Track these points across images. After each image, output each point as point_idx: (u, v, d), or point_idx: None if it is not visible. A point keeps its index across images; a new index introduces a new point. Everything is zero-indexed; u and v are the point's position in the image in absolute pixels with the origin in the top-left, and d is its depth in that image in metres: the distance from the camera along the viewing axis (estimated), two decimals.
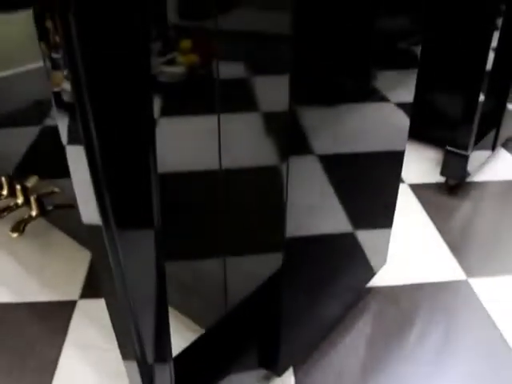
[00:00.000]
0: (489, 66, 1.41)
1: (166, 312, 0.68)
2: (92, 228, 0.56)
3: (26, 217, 1.21)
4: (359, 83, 0.77)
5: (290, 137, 0.66)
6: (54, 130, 1.04)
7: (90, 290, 1.14)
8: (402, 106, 0.93)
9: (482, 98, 1.44)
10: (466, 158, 1.46)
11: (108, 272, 0.60)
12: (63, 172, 1.12)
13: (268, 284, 0.84)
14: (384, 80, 0.83)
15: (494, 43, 1.37)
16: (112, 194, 0.51)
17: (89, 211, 0.55)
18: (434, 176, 1.63)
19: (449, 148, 1.47)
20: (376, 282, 1.19)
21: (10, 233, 1.17)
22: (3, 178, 1.30)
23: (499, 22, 1.34)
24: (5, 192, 1.30)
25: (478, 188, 1.59)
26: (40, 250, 1.25)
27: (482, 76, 1.41)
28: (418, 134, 1.80)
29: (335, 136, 0.76)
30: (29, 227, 1.20)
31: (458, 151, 1.46)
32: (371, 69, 0.78)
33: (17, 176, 1.28)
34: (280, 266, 0.79)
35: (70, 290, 1.14)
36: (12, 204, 1.25)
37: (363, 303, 1.13)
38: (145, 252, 0.60)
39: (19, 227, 1.19)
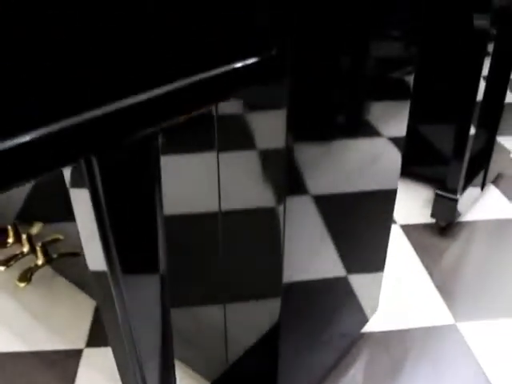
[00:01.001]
0: (480, 96, 1.49)
1: (172, 360, 0.73)
2: (97, 274, 0.62)
3: (33, 266, 1.29)
4: (353, 118, 0.83)
5: (287, 176, 0.71)
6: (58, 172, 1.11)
7: (96, 338, 1.21)
8: (394, 140, 0.99)
9: (472, 130, 1.52)
10: (455, 202, 1.55)
11: (114, 319, 0.66)
12: (66, 216, 1.19)
13: (266, 333, 0.90)
14: (377, 114, 0.89)
15: (485, 71, 1.44)
16: (117, 238, 0.56)
17: (94, 256, 0.61)
18: (424, 216, 1.71)
19: (438, 192, 1.56)
20: (368, 326, 1.27)
21: (18, 282, 1.25)
22: (9, 227, 1.37)
23: (489, 57, 1.42)
24: (11, 240, 1.37)
25: (468, 228, 1.68)
26: (46, 299, 1.33)
27: (472, 107, 1.49)
28: (408, 171, 1.89)
29: (329, 174, 0.82)
30: (35, 275, 1.28)
31: (448, 195, 1.55)
32: (365, 103, 0.84)
33: (21, 222, 1.36)
34: (278, 314, 0.85)
35: (76, 338, 1.21)
36: (18, 252, 1.32)
37: (356, 349, 1.21)
38: (150, 298, 0.65)
39: (26, 276, 1.27)
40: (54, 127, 0.37)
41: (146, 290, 0.63)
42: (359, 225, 1.01)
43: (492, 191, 1.90)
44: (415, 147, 1.80)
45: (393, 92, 0.93)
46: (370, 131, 0.89)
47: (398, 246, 1.58)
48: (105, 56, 0.39)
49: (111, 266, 0.58)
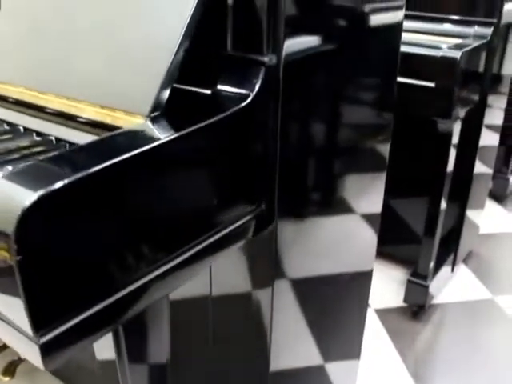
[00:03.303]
0: (450, 167, 1.62)
1: None
2: (105, 363, 0.72)
3: (16, 359, 1.37)
4: (332, 198, 0.92)
5: (275, 260, 0.79)
6: None
7: None
8: (371, 217, 1.09)
9: (443, 205, 1.67)
10: (426, 288, 1.69)
11: None
12: None
13: None
14: (354, 191, 0.98)
15: (455, 139, 1.56)
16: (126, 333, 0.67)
17: (103, 348, 0.71)
18: (397, 299, 1.85)
19: (410, 278, 1.71)
20: None
21: (2, 376, 1.33)
22: None
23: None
24: None
25: (440, 310, 1.82)
26: None
27: (442, 182, 1.63)
28: (379, 251, 2.01)
29: (311, 256, 0.90)
30: (19, 368, 1.36)
31: (419, 281, 1.70)
32: (341, 179, 0.93)
33: None
34: None
35: None
36: (1, 345, 1.40)
37: None
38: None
39: (10, 370, 1.35)
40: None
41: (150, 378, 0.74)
42: (337, 310, 1.10)
43: (463, 271, 2.05)
44: (386, 226, 1.93)
45: (369, 165, 1.02)
46: (347, 209, 0.98)
47: (372, 330, 1.70)
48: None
49: (119, 355, 0.69)
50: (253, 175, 0.67)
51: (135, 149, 0.49)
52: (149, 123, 0.57)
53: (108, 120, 0.65)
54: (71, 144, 0.68)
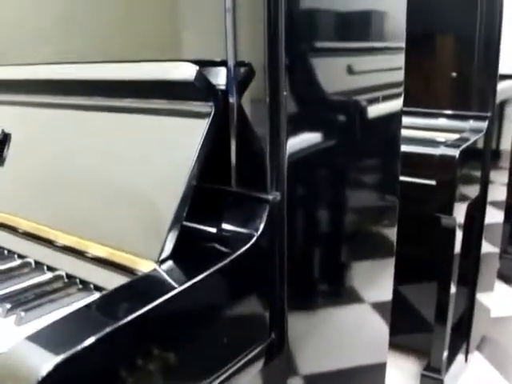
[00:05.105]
0: (456, 251, 1.63)
1: None
2: None
3: None
4: (342, 288, 0.93)
5: (287, 357, 0.79)
6: None
7: None
8: (381, 306, 1.08)
9: (453, 289, 1.65)
10: (441, 382, 1.67)
11: None
12: None
13: None
14: (363, 279, 0.98)
15: (461, 218, 1.54)
16: None
17: None
18: None
19: (424, 373, 1.69)
20: None
21: None
22: None
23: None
24: None
25: None
26: None
27: (450, 266, 1.63)
28: (390, 341, 2.00)
29: (323, 350, 0.90)
30: None
31: (433, 375, 1.68)
32: (350, 272, 0.93)
33: None
34: None
35: None
36: None
37: None
38: None
39: None
40: None
41: None
42: None
43: (477, 358, 2.02)
44: (396, 315, 1.92)
45: (378, 252, 1.03)
46: (358, 299, 0.98)
47: None
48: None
49: None
50: (261, 304, 0.69)
51: (147, 304, 0.51)
52: (158, 269, 0.60)
53: (115, 259, 0.67)
54: (82, 281, 0.71)
